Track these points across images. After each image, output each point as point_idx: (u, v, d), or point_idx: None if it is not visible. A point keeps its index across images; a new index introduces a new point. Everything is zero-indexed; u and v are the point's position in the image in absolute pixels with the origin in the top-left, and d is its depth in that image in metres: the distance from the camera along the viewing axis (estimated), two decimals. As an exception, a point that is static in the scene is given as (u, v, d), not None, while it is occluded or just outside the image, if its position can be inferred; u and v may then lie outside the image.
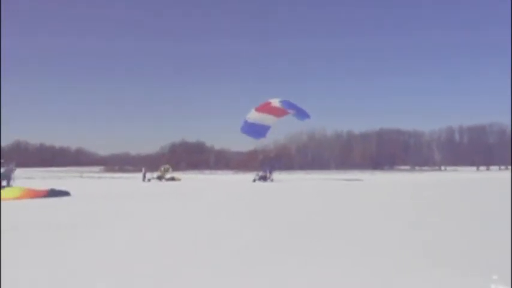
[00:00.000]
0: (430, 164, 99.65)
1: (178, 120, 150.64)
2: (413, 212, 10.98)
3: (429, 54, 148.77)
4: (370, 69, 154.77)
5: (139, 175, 39.36)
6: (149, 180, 37.02)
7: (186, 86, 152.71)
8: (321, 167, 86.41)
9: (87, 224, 8.78)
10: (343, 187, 24.95)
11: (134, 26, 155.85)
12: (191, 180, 40.01)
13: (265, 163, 40.93)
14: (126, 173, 70.24)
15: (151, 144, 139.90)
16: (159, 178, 37.53)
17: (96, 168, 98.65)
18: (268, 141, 64.24)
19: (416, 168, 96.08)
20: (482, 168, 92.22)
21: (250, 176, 35.27)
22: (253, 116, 31.12)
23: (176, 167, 60.14)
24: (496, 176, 46.32)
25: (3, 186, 19.78)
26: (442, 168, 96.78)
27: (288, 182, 31.64)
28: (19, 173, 29.11)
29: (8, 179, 21.98)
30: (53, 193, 16.68)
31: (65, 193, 17.03)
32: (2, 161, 23.52)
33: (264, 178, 32.69)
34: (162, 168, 39.05)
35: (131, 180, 39.06)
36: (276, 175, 36.95)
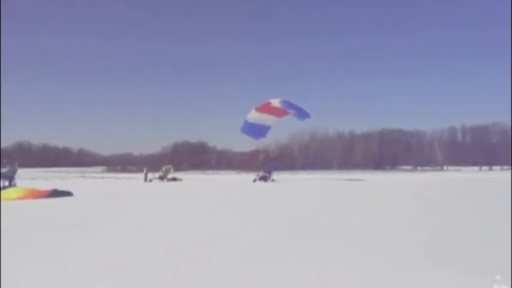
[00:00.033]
0: (432, 164, 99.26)
1: (179, 121, 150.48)
2: (415, 212, 10.95)
3: (430, 54, 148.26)
4: (371, 69, 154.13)
5: (142, 175, 39.39)
6: (151, 180, 37.05)
7: (186, 86, 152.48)
8: (323, 167, 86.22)
9: (89, 224, 8.81)
10: (345, 187, 24.91)
11: (134, 26, 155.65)
12: (193, 180, 40.04)
13: (266, 163, 40.80)
14: (128, 173, 70.26)
15: (153, 144, 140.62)
16: (161, 178, 37.57)
17: (99, 169, 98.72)
18: (270, 141, 64.22)
19: (419, 168, 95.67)
20: (484, 168, 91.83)
21: (253, 176, 35.25)
22: (254, 116, 31.08)
23: (178, 167, 60.11)
24: (498, 176, 46.13)
25: (6, 187, 19.88)
26: (444, 168, 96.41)
27: (289, 182, 31.60)
28: (22, 173, 29.25)
29: (11, 179, 22.08)
30: (56, 193, 16.76)
31: (67, 193, 17.09)
32: (4, 161, 23.62)
33: (264, 178, 32.62)
34: (164, 169, 39.01)
35: (133, 181, 39.12)
36: (278, 175, 36.89)
